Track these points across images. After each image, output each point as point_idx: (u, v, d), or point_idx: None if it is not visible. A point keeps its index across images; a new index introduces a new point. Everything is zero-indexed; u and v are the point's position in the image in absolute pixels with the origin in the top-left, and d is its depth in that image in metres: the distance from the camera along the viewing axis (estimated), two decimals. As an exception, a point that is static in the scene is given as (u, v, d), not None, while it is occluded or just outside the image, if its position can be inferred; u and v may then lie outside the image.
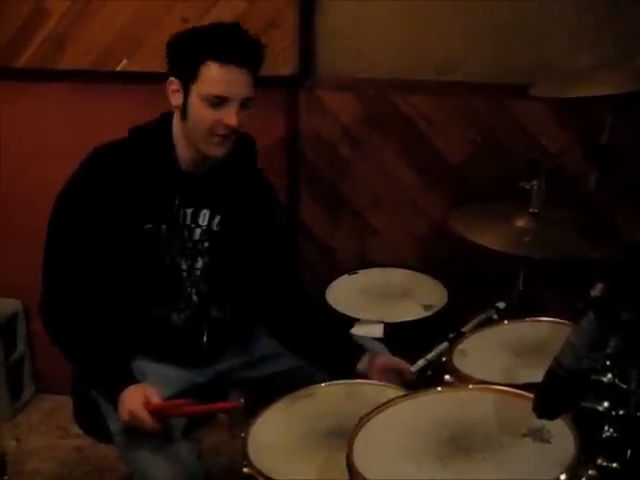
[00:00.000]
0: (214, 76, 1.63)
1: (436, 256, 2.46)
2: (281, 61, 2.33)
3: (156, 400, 1.58)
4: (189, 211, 1.75)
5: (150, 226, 1.70)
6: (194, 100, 1.65)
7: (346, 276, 2.32)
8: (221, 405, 1.58)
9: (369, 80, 2.37)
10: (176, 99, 1.69)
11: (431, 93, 2.34)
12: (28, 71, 2.48)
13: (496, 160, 2.35)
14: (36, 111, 2.53)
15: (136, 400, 1.57)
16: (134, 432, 1.60)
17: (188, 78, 1.65)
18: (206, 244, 1.78)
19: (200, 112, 1.65)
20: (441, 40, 2.29)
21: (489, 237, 1.98)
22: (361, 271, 2.35)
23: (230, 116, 1.65)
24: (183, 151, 1.73)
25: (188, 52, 1.65)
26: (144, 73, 2.36)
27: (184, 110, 1.68)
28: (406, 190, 2.44)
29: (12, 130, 2.55)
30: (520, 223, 2.04)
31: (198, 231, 1.77)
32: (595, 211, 2.19)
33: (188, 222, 1.76)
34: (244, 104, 1.67)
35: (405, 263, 2.38)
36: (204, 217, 1.77)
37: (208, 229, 1.78)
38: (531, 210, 2.04)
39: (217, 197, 1.78)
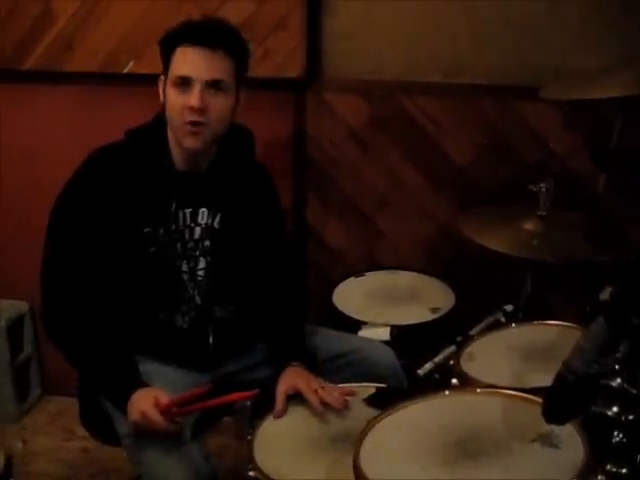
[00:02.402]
0: (181, 58, 1.63)
1: (443, 259, 2.45)
2: (288, 63, 2.32)
3: (165, 400, 1.57)
4: (188, 211, 1.74)
5: (149, 229, 1.69)
6: (167, 88, 1.66)
7: (353, 278, 2.31)
8: (236, 395, 1.54)
9: (376, 82, 2.37)
10: (162, 95, 1.70)
11: (439, 95, 2.34)
12: (36, 73, 2.48)
13: (504, 163, 2.34)
14: (44, 113, 2.53)
15: (146, 402, 1.56)
16: (144, 434, 1.59)
17: (166, 69, 1.66)
18: (207, 242, 1.77)
19: (170, 98, 1.65)
20: (449, 42, 2.29)
21: (497, 240, 1.97)
22: (368, 273, 2.34)
23: (191, 97, 1.61)
24: (176, 150, 1.72)
25: (165, 44, 1.67)
26: (151, 75, 2.34)
27: (164, 102, 1.68)
28: (413, 192, 2.43)
29: (20, 132, 2.55)
30: (528, 226, 2.03)
31: (198, 230, 1.76)
32: (603, 214, 2.17)
33: (188, 222, 1.75)
34: (213, 86, 1.63)
35: (412, 266, 2.37)
36: (203, 215, 1.76)
37: (208, 227, 1.76)
38: (539, 213, 2.03)
39: (216, 195, 1.76)
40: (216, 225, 1.77)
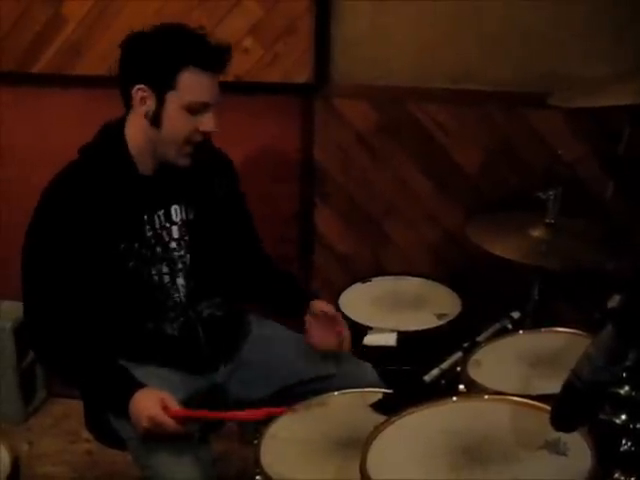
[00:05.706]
0: (197, 83, 1.62)
1: (450, 265, 2.45)
2: (297, 69, 2.33)
3: (174, 406, 1.56)
4: (161, 212, 1.73)
5: (125, 244, 1.67)
6: (173, 109, 1.62)
7: (360, 284, 2.31)
8: (264, 411, 1.55)
9: (385, 88, 2.37)
10: (146, 106, 1.64)
11: (447, 101, 2.34)
12: (45, 76, 2.49)
13: (512, 169, 2.34)
14: (53, 117, 2.54)
15: (153, 405, 1.55)
16: (153, 438, 1.58)
17: (164, 86, 1.62)
18: (186, 238, 1.76)
19: (179, 121, 1.63)
20: (457, 48, 2.29)
21: (504, 247, 1.97)
22: (375, 279, 2.34)
23: (210, 121, 1.65)
24: (144, 158, 1.70)
25: (164, 59, 1.62)
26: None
27: (156, 118, 1.64)
28: (421, 199, 2.43)
29: (28, 135, 2.57)
30: (536, 233, 2.02)
31: (175, 228, 1.75)
32: (612, 221, 2.17)
33: (163, 223, 1.73)
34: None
35: (419, 272, 2.37)
36: (176, 213, 1.75)
37: (184, 222, 1.76)
38: (547, 220, 2.03)
39: (184, 188, 1.76)
40: (191, 217, 1.77)
